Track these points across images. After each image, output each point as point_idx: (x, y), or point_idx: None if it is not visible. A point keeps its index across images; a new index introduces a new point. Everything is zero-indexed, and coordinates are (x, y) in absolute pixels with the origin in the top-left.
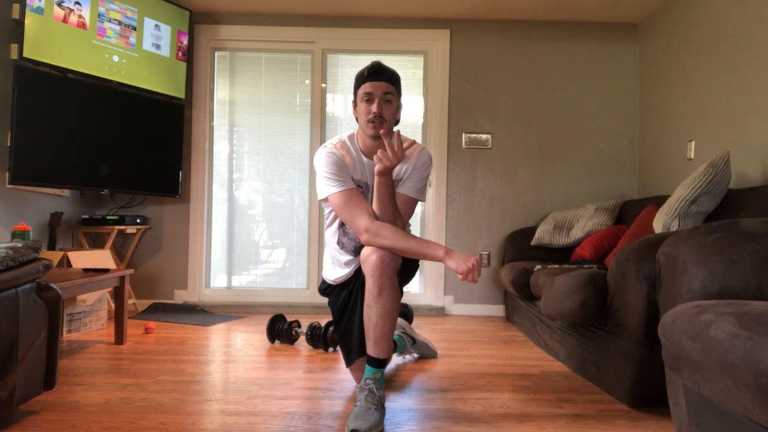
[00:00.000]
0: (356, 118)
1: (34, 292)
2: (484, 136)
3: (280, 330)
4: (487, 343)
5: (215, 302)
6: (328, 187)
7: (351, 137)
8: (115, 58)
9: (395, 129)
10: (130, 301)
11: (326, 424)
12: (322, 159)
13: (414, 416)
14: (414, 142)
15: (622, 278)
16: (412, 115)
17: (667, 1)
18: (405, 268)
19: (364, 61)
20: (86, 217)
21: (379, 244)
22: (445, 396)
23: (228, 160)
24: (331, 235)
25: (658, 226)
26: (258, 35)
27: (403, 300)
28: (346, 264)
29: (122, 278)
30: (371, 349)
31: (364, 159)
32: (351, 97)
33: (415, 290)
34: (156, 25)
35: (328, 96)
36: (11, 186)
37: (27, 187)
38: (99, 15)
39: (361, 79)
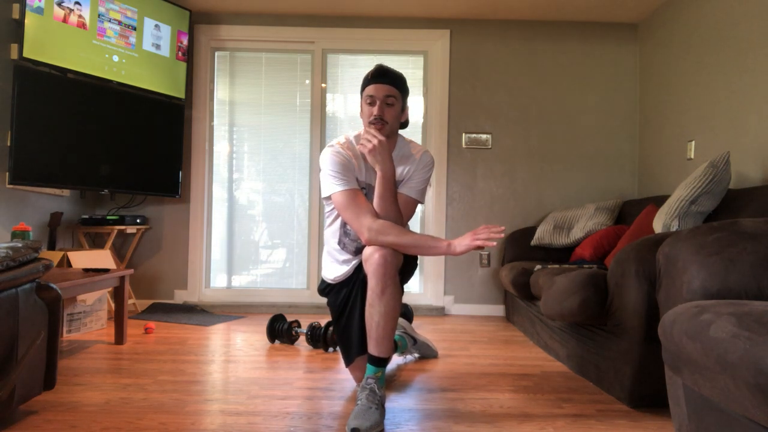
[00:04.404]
0: (363, 121)
1: (34, 292)
2: (484, 136)
3: (280, 330)
4: (487, 343)
5: (215, 302)
6: (332, 186)
7: (357, 137)
8: (115, 58)
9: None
10: (130, 301)
11: (326, 424)
12: (328, 158)
13: (414, 416)
14: (420, 146)
15: (622, 278)
16: (412, 115)
17: (667, 1)
18: (404, 266)
19: (364, 61)
20: (86, 217)
21: (383, 242)
22: (445, 396)
23: (228, 160)
24: (331, 234)
25: (658, 226)
26: (258, 35)
27: (403, 300)
28: (345, 262)
29: (122, 278)
30: (373, 348)
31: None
32: (351, 96)
33: (415, 290)
34: (156, 25)
35: (328, 96)
36: (11, 186)
37: (27, 187)
38: (99, 15)
39: (366, 81)
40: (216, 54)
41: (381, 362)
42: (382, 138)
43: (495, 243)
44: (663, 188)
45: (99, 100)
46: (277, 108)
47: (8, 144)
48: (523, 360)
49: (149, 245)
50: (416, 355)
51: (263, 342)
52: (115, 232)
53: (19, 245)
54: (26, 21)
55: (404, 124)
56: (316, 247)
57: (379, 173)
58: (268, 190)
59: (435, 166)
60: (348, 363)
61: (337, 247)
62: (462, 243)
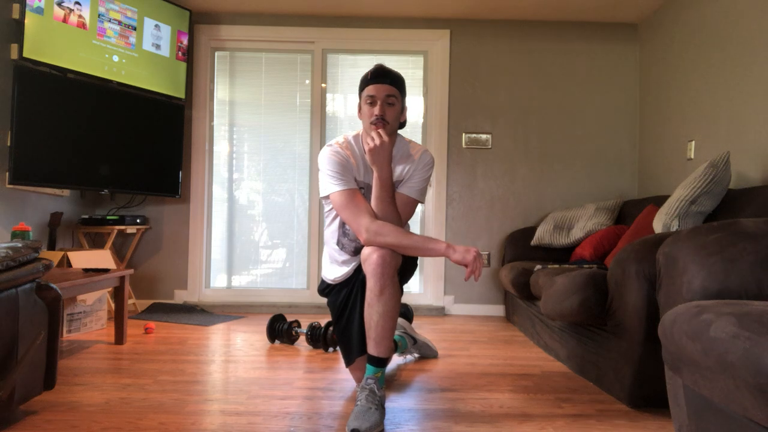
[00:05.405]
0: (361, 121)
1: (34, 292)
2: (484, 136)
3: (280, 330)
4: (487, 343)
5: (215, 302)
6: (330, 185)
7: (356, 138)
8: (115, 58)
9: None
10: (130, 301)
11: (326, 424)
12: (327, 157)
13: (414, 416)
14: (420, 146)
15: (622, 278)
16: (412, 115)
17: (667, 1)
18: (404, 266)
19: (364, 61)
20: (86, 217)
21: (381, 243)
22: (445, 396)
23: (228, 160)
24: (330, 234)
25: (658, 226)
26: (258, 35)
27: (403, 300)
28: (345, 263)
29: (122, 278)
30: (372, 349)
31: (368, 159)
32: (351, 96)
33: (415, 290)
34: (156, 25)
35: (328, 96)
36: (11, 186)
37: (27, 187)
38: (99, 15)
39: (365, 81)
40: (216, 54)
41: (380, 362)
42: (386, 139)
43: (477, 280)
44: (663, 188)
45: (99, 100)
46: (277, 108)
47: (8, 144)
48: (523, 360)
49: (149, 245)
50: (416, 355)
51: (263, 342)
52: (115, 232)
53: (19, 245)
54: (26, 21)
55: (402, 125)
56: (316, 247)
57: (375, 174)
58: (268, 190)
59: (435, 166)
60: (348, 363)
61: (336, 247)
62: (460, 251)
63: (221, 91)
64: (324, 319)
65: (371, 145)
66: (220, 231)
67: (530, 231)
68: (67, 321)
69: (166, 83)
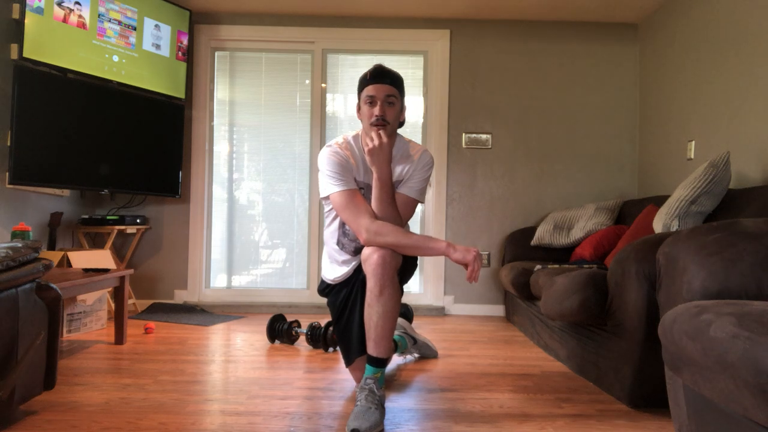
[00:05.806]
0: (361, 121)
1: (34, 292)
2: (484, 136)
3: (280, 330)
4: (487, 343)
5: (215, 302)
6: (330, 186)
7: (355, 138)
8: (115, 58)
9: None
10: (130, 301)
11: (326, 424)
12: (326, 158)
13: (414, 416)
14: (420, 146)
15: (622, 278)
16: (412, 115)
17: (667, 1)
18: (404, 267)
19: (364, 61)
20: (86, 217)
21: (381, 243)
22: (445, 396)
23: (228, 160)
24: (330, 234)
25: (658, 226)
26: (258, 35)
27: (403, 300)
28: (345, 263)
29: (122, 278)
30: (372, 349)
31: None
32: (351, 96)
33: (415, 290)
34: (156, 25)
35: (328, 96)
36: (11, 186)
37: (27, 187)
38: (99, 15)
39: (364, 82)
40: (216, 54)
41: (380, 363)
42: (385, 140)
43: (476, 280)
44: (663, 188)
45: (99, 100)
46: (277, 108)
47: (8, 144)
48: (523, 360)
49: (149, 245)
50: (416, 355)
51: (263, 342)
52: (115, 232)
53: (19, 245)
54: (26, 21)
55: (400, 124)
56: (316, 247)
57: (375, 175)
58: (268, 190)
59: (435, 166)
60: (348, 363)
61: (336, 247)
62: (460, 250)
63: (221, 91)
64: (324, 319)
65: (370, 146)
66: (220, 231)
67: (530, 231)
68: (67, 321)
69: (166, 83)
